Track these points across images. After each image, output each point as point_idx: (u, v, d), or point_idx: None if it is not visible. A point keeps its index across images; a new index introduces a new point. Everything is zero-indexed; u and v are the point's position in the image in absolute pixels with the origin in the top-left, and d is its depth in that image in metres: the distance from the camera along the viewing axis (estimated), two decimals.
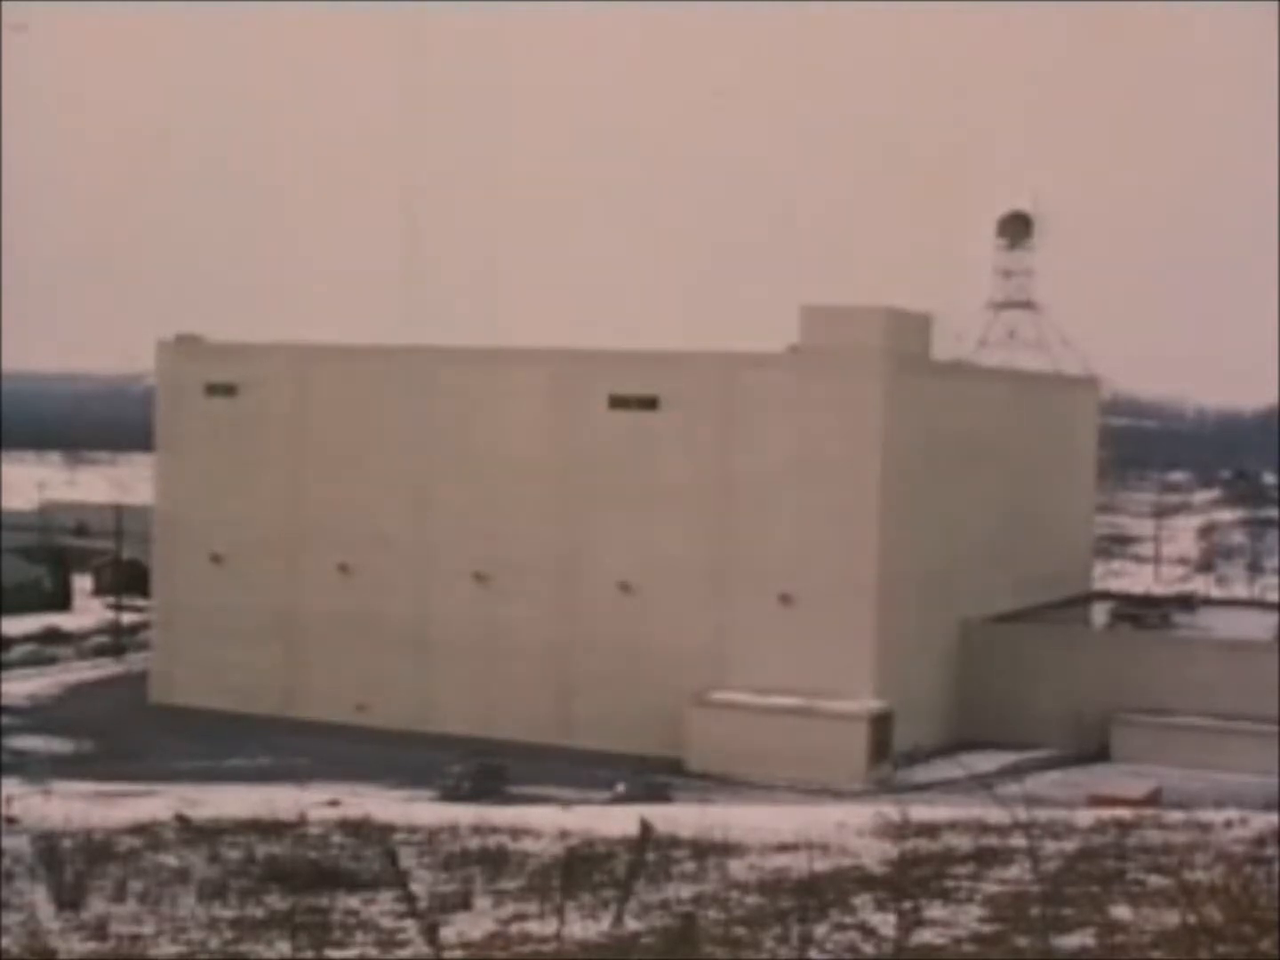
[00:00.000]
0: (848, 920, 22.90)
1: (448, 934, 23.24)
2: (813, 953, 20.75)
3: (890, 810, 37.88)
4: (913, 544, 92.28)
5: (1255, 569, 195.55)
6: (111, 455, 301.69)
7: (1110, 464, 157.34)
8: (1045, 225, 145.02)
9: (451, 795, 75.03)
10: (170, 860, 32.34)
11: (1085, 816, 38.12)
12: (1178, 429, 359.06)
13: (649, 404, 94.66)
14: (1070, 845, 30.71)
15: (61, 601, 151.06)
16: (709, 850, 32.31)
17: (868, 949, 20.92)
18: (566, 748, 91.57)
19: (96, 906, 26.81)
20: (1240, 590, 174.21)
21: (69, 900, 26.82)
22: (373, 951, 22.94)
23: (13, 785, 56.50)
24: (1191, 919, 18.41)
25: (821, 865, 29.47)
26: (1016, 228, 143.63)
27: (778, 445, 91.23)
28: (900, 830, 34.52)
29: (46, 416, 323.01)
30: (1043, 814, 35.54)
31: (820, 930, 22.01)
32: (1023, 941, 20.54)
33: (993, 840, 32.05)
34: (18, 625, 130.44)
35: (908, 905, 22.75)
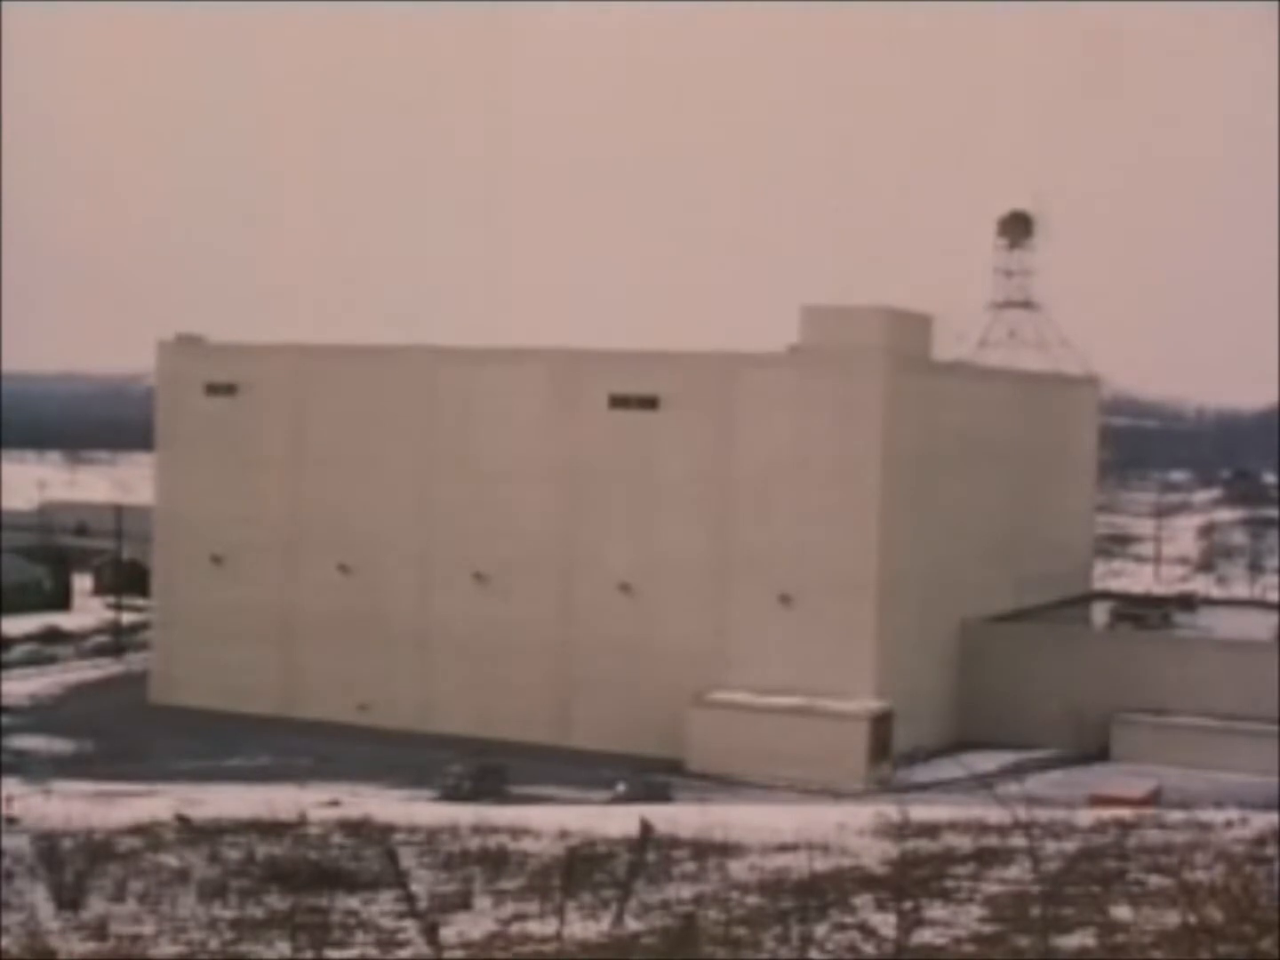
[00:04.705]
0: (848, 920, 22.89)
1: (448, 934, 23.23)
2: (813, 953, 20.73)
3: (890, 810, 37.87)
4: (913, 544, 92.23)
5: (1255, 568, 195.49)
6: (111, 455, 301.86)
7: (1110, 464, 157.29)
8: (1046, 225, 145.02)
9: (451, 795, 75.00)
10: (170, 860, 32.33)
11: (1085, 816, 38.13)
12: (1178, 429, 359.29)
13: (649, 403, 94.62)
14: (1071, 845, 30.69)
15: (62, 601, 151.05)
16: (709, 850, 32.30)
17: (868, 949, 20.91)
18: (566, 748, 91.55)
19: (96, 906, 26.81)
20: (1241, 590, 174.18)
21: (69, 900, 26.81)
22: (373, 951, 22.93)
23: (13, 785, 56.54)
24: (1192, 919, 18.39)
25: (822, 865, 29.46)
26: (1017, 228, 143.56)
27: (778, 445, 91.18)
28: (900, 830, 34.51)
29: (47, 416, 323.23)
30: (1043, 814, 35.51)
31: (820, 930, 22.00)
32: (1023, 942, 20.52)
33: (993, 840, 32.04)
34: (18, 625, 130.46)
35: (908, 905, 22.72)
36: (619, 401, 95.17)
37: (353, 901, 26.92)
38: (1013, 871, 27.43)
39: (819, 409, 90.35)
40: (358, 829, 37.37)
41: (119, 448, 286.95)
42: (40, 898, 27.22)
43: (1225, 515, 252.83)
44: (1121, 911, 22.04)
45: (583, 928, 23.46)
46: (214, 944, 23.89)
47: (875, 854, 31.33)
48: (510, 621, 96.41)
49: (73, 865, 28.65)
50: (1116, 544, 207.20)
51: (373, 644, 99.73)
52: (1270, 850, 27.83)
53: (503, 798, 71.01)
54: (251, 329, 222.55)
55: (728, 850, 32.28)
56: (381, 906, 26.37)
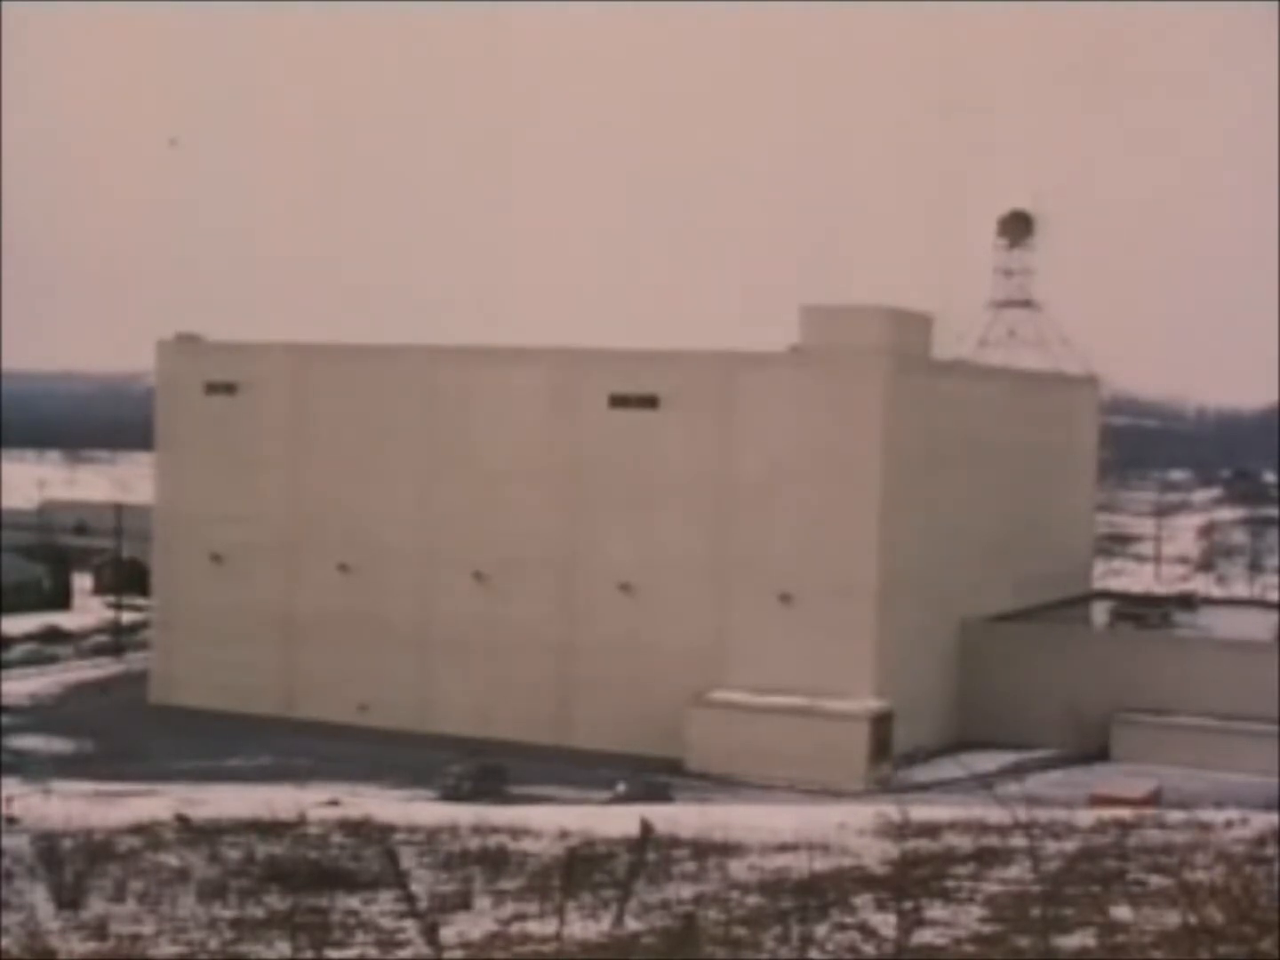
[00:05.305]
0: (848, 920, 22.87)
1: (448, 934, 23.21)
2: (813, 953, 20.72)
3: (891, 810, 37.84)
4: (913, 544, 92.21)
5: (1255, 568, 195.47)
6: (111, 454, 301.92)
7: (1110, 463, 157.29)
8: (1045, 225, 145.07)
9: (451, 795, 75.00)
10: (170, 860, 32.30)
11: (1086, 816, 38.10)
12: (1178, 428, 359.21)
13: (649, 403, 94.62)
14: (1071, 845, 30.67)
15: (61, 601, 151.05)
16: (709, 850, 32.28)
17: (868, 949, 20.89)
18: (566, 748, 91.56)
19: (96, 906, 26.78)
20: (1241, 589, 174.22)
21: (69, 900, 26.79)
22: (373, 952, 22.92)
23: (13, 785, 56.48)
24: (1192, 919, 18.38)
25: (822, 865, 29.45)
26: (1017, 227, 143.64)
27: (778, 445, 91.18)
28: (901, 830, 34.48)
29: (46, 416, 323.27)
30: (1043, 814, 35.50)
31: (821, 930, 21.98)
32: (1023, 942, 20.50)
33: (993, 840, 32.01)
34: (18, 624, 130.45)
35: (908, 905, 22.69)
36: (619, 401, 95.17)
37: (353, 901, 26.90)
38: (1013, 871, 27.41)
39: (819, 409, 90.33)
40: (358, 829, 37.34)
41: (119, 447, 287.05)
42: (40, 897, 27.20)
43: (1225, 515, 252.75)
44: (1122, 912, 22.01)
45: (583, 928, 23.45)
46: (214, 944, 23.87)
47: (875, 854, 31.32)
48: (510, 621, 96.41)
49: (72, 865, 28.62)
50: (1116, 543, 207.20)
51: (373, 644, 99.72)
52: (1270, 851, 27.80)
53: (503, 798, 71.01)
54: (251, 329, 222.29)
55: (728, 850, 32.27)
56: (381, 906, 26.36)
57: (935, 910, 23.39)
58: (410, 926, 23.94)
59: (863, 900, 24.55)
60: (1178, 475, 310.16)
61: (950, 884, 26.13)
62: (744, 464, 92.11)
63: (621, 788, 77.27)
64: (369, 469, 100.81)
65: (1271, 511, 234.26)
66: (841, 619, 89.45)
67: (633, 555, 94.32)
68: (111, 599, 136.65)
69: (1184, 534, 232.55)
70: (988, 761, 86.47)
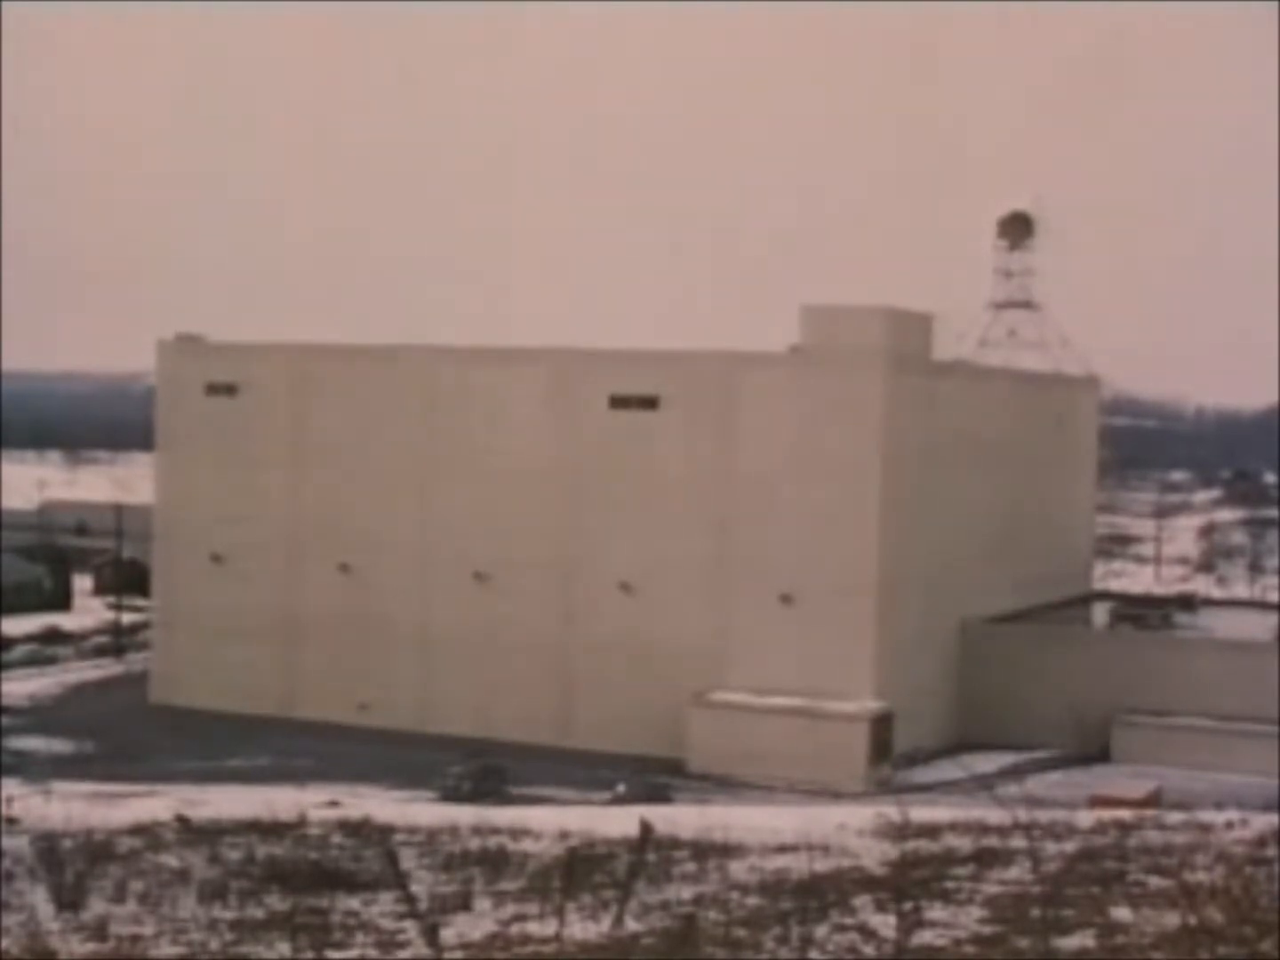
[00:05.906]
0: (848, 921, 22.86)
1: (448, 935, 23.21)
2: (813, 954, 20.72)
3: (891, 811, 37.82)
4: (913, 544, 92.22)
5: (1256, 569, 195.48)
6: (111, 454, 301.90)
7: (1111, 464, 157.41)
8: (1045, 225, 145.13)
9: (452, 796, 74.97)
10: (170, 861, 32.30)
11: (1086, 817, 38.09)
12: (1178, 429, 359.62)
13: (649, 404, 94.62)
14: (1071, 846, 30.65)
15: (62, 601, 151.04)
16: (709, 851, 32.27)
17: (868, 950, 20.89)
18: (566, 748, 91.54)
19: (96, 907, 26.78)
20: (1241, 590, 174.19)
21: (69, 901, 26.78)
22: (373, 952, 22.92)
23: (13, 785, 56.49)
24: (1192, 920, 18.39)
25: (822, 866, 29.44)
26: (1017, 228, 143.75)
27: (778, 445, 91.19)
28: (901, 831, 34.46)
29: (47, 416, 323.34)
30: (1043, 815, 35.48)
31: (821, 931, 21.98)
32: (1023, 943, 20.50)
33: (993, 841, 32.00)
34: (18, 625, 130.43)
35: (908, 906, 22.69)
36: (619, 401, 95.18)
37: (353, 902, 26.90)
38: (1013, 872, 27.40)
39: (819, 409, 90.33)
40: (358, 829, 37.34)
41: (119, 447, 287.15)
42: (40, 898, 27.19)
43: (1225, 515, 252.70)
44: (1121, 913, 22.01)
45: (583, 929, 23.45)
46: (214, 945, 23.87)
47: (875, 855, 31.31)
48: (510, 621, 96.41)
49: (73, 866, 28.61)
50: (1117, 544, 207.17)
51: (373, 644, 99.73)
52: (1271, 852, 27.80)
53: (503, 798, 71.00)
54: (251, 329, 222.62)
55: (728, 851, 32.25)
56: (381, 907, 26.36)
57: (935, 911, 23.38)
58: (410, 927, 23.95)
59: (862, 901, 24.54)
60: (1178, 476, 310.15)
61: (950, 885, 26.12)
62: (744, 464, 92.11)
63: (621, 788, 77.24)
64: (369, 469, 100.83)
65: (1271, 512, 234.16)
66: (841, 619, 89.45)
67: (633, 555, 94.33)
68: (112, 599, 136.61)
69: (1184, 535, 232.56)
70: (988, 762, 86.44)
